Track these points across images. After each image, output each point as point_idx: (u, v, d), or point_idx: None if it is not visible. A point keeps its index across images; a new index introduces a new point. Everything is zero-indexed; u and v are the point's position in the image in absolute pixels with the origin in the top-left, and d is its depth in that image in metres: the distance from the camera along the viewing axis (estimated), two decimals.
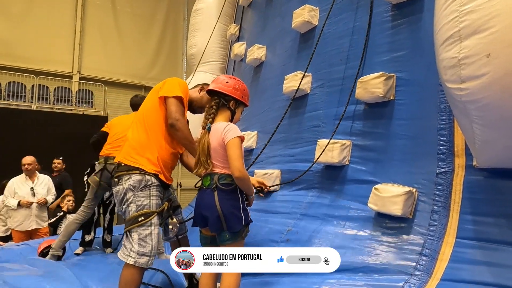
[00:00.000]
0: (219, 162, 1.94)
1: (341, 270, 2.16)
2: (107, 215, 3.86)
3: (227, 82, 2.04)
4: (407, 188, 2.18)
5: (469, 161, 2.01)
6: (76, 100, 9.70)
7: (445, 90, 1.77)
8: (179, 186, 11.14)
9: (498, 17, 1.35)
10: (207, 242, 2.05)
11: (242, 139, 1.92)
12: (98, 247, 3.83)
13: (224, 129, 1.90)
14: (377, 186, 2.31)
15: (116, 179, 2.08)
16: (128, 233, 2.01)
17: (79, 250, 3.64)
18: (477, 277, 1.76)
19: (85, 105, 9.80)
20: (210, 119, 2.00)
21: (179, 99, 2.12)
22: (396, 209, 2.13)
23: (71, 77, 10.71)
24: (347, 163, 2.68)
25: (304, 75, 3.06)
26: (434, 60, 2.26)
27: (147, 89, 11.58)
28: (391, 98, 2.48)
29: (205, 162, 1.93)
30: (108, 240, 3.81)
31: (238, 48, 4.62)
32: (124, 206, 2.06)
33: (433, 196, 2.12)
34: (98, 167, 3.31)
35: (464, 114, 1.67)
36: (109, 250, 3.80)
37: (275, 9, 4.08)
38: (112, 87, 10.90)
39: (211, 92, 2.09)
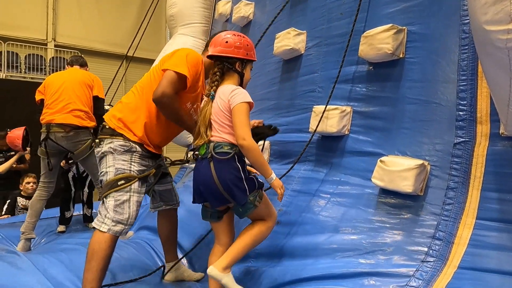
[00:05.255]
0: (218, 126, 1.73)
1: (342, 256, 1.88)
2: (85, 189, 3.69)
3: (226, 42, 1.78)
4: (419, 161, 1.85)
5: (495, 128, 1.69)
6: (50, 68, 8.99)
7: (478, 37, 1.41)
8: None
9: None
10: (206, 216, 1.86)
11: (251, 105, 1.74)
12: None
13: (231, 92, 1.74)
14: (383, 158, 1.98)
15: (97, 141, 1.96)
16: (104, 199, 1.86)
17: (62, 227, 3.46)
18: (504, 266, 1.48)
19: None
20: (214, 87, 1.80)
21: (180, 76, 1.86)
22: (406, 186, 1.81)
23: (45, 44, 9.94)
24: (347, 132, 2.33)
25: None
26: (455, 8, 1.89)
27: (129, 58, 10.87)
28: (401, 56, 2.11)
29: (204, 133, 1.76)
30: (88, 214, 3.71)
31: (223, 6, 4.13)
32: (102, 170, 1.91)
33: (449, 170, 1.81)
34: (42, 136, 2.94)
35: (502, 67, 1.32)
36: (91, 225, 3.63)
37: None
38: (90, 56, 10.16)
39: (212, 56, 1.83)
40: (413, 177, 1.81)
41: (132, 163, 1.89)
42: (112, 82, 4.87)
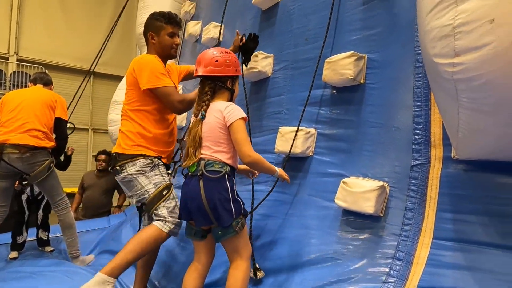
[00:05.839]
0: (210, 144, 1.73)
1: (307, 280, 1.88)
2: (40, 212, 3.45)
3: (216, 61, 1.78)
4: (380, 183, 1.92)
5: (447, 152, 1.79)
6: (10, 84, 8.58)
7: (429, 68, 1.51)
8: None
9: None
10: (191, 233, 1.83)
11: (245, 120, 1.77)
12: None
13: (225, 109, 1.75)
14: (346, 180, 2.04)
15: (118, 167, 2.06)
16: (155, 212, 1.99)
17: (14, 254, 3.20)
18: (459, 284, 1.54)
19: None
20: (205, 107, 1.80)
21: (166, 88, 2.05)
22: (368, 207, 1.87)
23: (7, 58, 9.52)
24: (311, 154, 2.38)
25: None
26: (410, 39, 2.03)
27: (97, 75, 10.62)
28: (362, 81, 2.21)
29: (193, 154, 1.77)
30: (44, 238, 3.45)
31: (193, 27, 4.17)
32: (139, 192, 2.03)
33: (407, 192, 1.88)
34: None
35: (450, 96, 1.41)
36: (48, 248, 3.40)
37: None
38: (56, 71, 9.83)
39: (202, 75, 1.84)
40: (374, 198, 1.86)
41: (163, 174, 2.09)
42: (73, 98, 4.70)
